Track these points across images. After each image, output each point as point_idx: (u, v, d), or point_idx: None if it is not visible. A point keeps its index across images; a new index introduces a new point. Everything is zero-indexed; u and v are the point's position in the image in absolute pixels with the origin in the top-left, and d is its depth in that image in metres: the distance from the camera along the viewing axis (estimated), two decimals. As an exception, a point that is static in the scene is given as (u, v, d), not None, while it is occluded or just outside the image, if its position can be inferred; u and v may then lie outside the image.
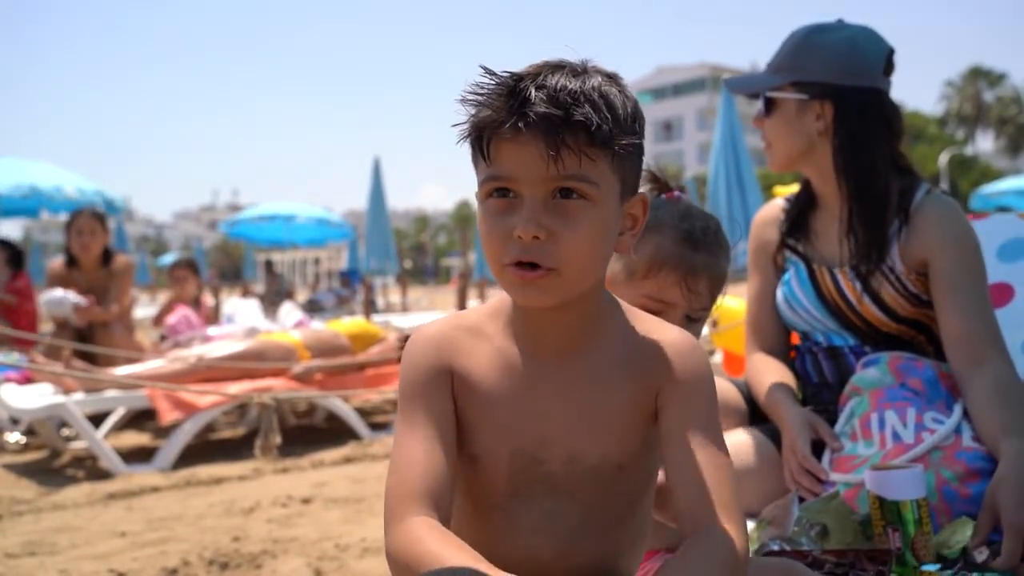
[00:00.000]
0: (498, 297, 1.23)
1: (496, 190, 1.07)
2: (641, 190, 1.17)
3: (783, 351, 2.31)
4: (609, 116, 1.03)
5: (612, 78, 1.09)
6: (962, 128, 60.81)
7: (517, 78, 1.04)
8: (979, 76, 61.06)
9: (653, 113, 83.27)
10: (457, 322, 1.21)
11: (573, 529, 1.16)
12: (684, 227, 1.51)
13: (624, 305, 1.23)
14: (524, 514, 1.16)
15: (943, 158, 39.15)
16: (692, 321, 1.52)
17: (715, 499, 1.08)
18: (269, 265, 12.07)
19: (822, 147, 2.10)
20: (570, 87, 1.02)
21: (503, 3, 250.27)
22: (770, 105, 2.12)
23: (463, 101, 1.07)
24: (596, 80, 1.05)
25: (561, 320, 1.15)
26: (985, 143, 63.13)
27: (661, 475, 1.29)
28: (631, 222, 1.16)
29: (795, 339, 2.32)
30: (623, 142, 1.05)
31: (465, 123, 1.08)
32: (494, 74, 1.05)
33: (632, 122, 1.08)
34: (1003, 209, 13.15)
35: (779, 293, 2.26)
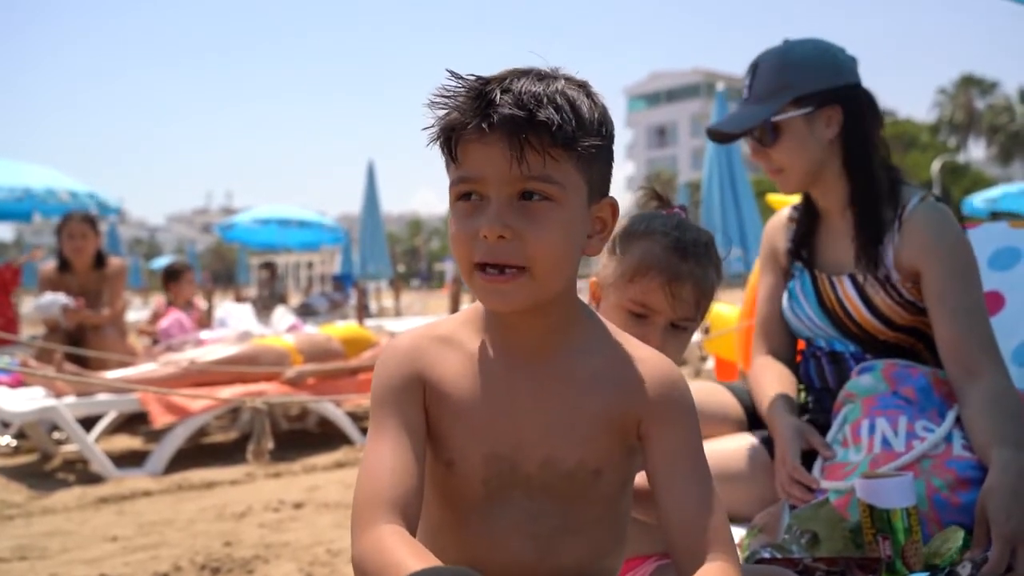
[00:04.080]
0: (471, 305, 1.25)
1: (465, 193, 1.10)
2: (612, 195, 1.19)
3: (790, 354, 2.32)
4: (573, 118, 1.05)
5: (580, 85, 1.11)
6: (954, 136, 61.02)
7: (483, 81, 1.07)
8: (971, 84, 61.28)
9: (647, 119, 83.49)
10: (429, 332, 1.22)
11: (553, 530, 1.17)
12: (674, 235, 1.53)
13: (604, 321, 1.25)
14: (503, 517, 1.17)
15: (935, 165, 39.25)
16: (678, 330, 1.52)
17: (710, 533, 1.11)
18: (270, 266, 11.92)
19: (831, 155, 2.10)
20: (534, 90, 1.05)
21: (497, 8, 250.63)
22: (776, 131, 2.08)
23: (431, 104, 1.09)
24: (560, 84, 1.08)
25: (533, 324, 1.16)
26: (977, 151, 63.37)
27: (639, 477, 1.30)
28: (600, 225, 1.18)
29: (802, 344, 2.33)
30: (587, 143, 1.07)
31: (434, 126, 1.11)
32: (461, 77, 1.08)
33: (598, 126, 1.10)
34: (995, 216, 13.18)
35: (784, 299, 2.27)
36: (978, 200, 15.29)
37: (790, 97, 2.05)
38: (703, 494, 1.13)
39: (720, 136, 2.19)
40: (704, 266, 1.52)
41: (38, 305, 5.70)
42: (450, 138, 1.09)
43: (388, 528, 1.03)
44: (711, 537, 1.11)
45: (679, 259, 1.50)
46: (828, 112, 2.07)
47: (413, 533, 1.06)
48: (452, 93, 1.08)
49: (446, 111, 1.09)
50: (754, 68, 2.14)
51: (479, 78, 1.08)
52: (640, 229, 1.55)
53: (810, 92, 2.05)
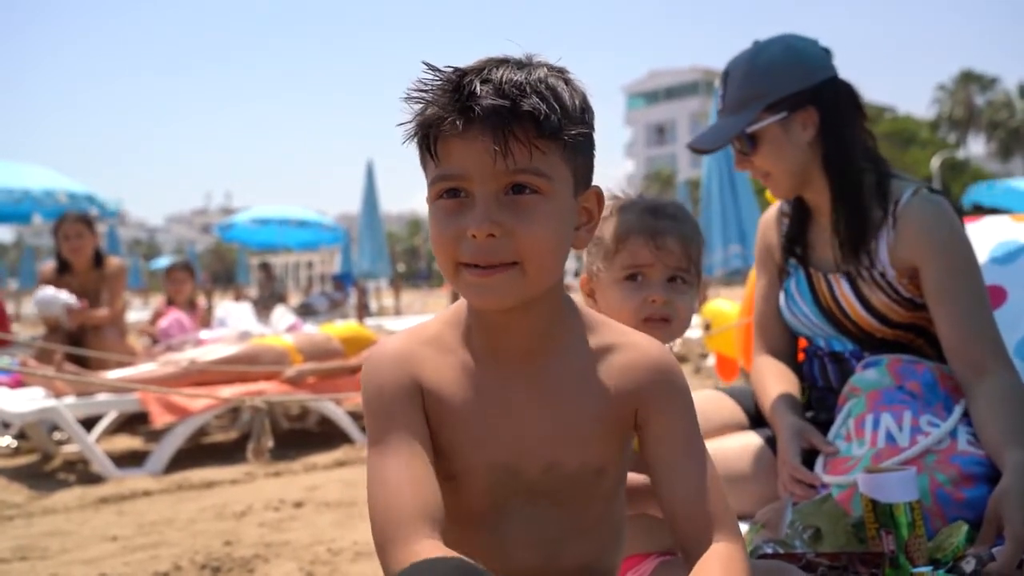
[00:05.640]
0: (454, 305, 1.19)
1: (447, 190, 1.05)
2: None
3: (790, 351, 2.31)
4: (557, 106, 1.01)
5: (559, 71, 1.07)
6: (954, 132, 61.04)
7: (461, 73, 1.02)
8: (971, 80, 61.31)
9: (646, 117, 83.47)
10: (417, 335, 1.17)
11: (558, 534, 1.15)
12: (645, 202, 1.60)
13: (593, 313, 1.22)
14: (507, 526, 1.15)
15: (935, 162, 39.30)
16: (678, 283, 1.55)
17: (713, 517, 1.09)
18: (266, 267, 11.95)
19: (813, 156, 2.08)
20: (516, 79, 1.01)
21: (496, 7, 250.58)
22: (754, 140, 2.07)
23: (407, 99, 1.05)
24: (542, 72, 1.04)
25: (521, 324, 1.12)
26: (976, 147, 63.43)
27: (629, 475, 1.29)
28: (586, 216, 1.14)
29: (804, 342, 2.32)
30: (573, 132, 1.03)
31: (410, 122, 1.06)
32: (437, 70, 1.03)
33: (581, 113, 1.06)
34: (979, 209, 13.10)
35: (781, 298, 2.26)
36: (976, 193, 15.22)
37: (762, 105, 2.03)
38: (703, 477, 1.11)
39: (700, 150, 2.17)
40: (679, 220, 1.57)
41: (39, 299, 5.65)
42: (428, 135, 1.04)
43: (430, 543, 0.98)
44: (714, 520, 1.09)
45: (653, 217, 1.55)
46: (803, 115, 2.04)
47: (444, 543, 1.01)
48: (428, 87, 1.03)
49: (423, 106, 1.04)
50: (725, 77, 2.13)
51: (456, 69, 1.03)
52: (612, 210, 1.62)
53: (781, 97, 2.03)
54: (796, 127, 2.05)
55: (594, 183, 1.16)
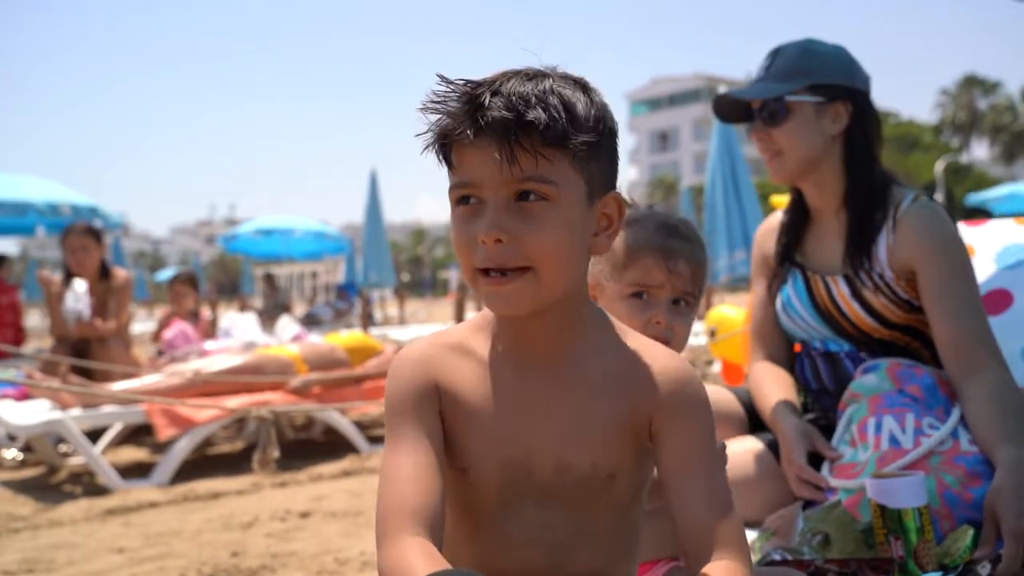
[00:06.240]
0: (481, 312, 1.24)
1: (463, 197, 1.10)
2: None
3: (786, 358, 2.32)
4: (563, 116, 1.04)
5: (576, 81, 1.11)
6: (957, 136, 61.03)
7: (474, 85, 1.07)
8: (974, 84, 61.30)
9: (649, 124, 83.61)
10: (440, 340, 1.22)
11: (566, 538, 1.16)
12: (659, 218, 1.59)
13: (615, 321, 1.24)
14: (516, 525, 1.16)
15: (939, 166, 39.30)
16: (681, 306, 1.55)
17: (720, 533, 1.10)
18: (270, 278, 12.00)
19: (832, 151, 2.11)
20: (523, 90, 1.05)
21: (499, 14, 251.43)
22: (786, 110, 2.09)
23: (424, 110, 1.09)
24: (550, 82, 1.07)
25: (543, 328, 1.15)
26: (980, 151, 63.40)
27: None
28: (606, 222, 1.16)
29: (798, 347, 2.32)
30: (580, 140, 1.06)
31: (427, 132, 1.11)
32: (451, 82, 1.08)
33: (594, 122, 1.09)
34: (989, 215, 13.13)
35: (777, 301, 2.27)
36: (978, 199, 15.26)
37: (808, 82, 2.07)
38: (714, 493, 1.12)
39: (728, 108, 2.20)
40: (692, 242, 1.57)
41: (74, 292, 5.60)
42: (444, 144, 1.09)
43: (413, 540, 1.02)
44: (721, 537, 1.10)
45: (667, 236, 1.55)
46: (838, 107, 2.09)
47: (439, 542, 1.06)
48: (443, 98, 1.08)
49: (438, 117, 1.09)
50: (775, 51, 2.16)
51: (469, 82, 1.07)
52: (625, 220, 1.61)
53: (827, 83, 2.07)
54: (828, 117, 2.09)
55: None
